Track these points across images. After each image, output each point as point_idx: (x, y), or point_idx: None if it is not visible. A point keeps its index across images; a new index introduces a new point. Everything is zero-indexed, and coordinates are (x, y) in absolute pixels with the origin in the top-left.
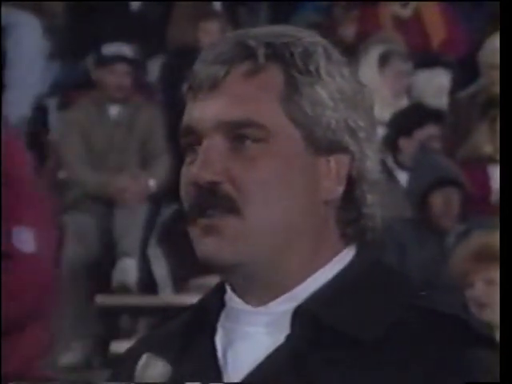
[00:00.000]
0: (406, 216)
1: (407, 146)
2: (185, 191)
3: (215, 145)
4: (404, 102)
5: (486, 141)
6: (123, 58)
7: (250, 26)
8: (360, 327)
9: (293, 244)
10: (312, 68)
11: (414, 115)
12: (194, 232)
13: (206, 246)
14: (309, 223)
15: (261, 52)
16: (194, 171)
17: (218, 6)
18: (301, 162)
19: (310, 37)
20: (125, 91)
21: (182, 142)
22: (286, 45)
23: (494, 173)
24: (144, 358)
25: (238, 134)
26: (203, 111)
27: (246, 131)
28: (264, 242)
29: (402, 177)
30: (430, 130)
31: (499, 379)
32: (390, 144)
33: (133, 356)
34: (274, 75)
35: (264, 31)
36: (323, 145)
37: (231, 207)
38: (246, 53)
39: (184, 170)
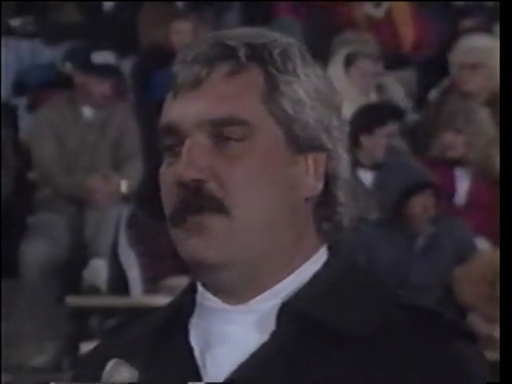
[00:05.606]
0: (369, 216)
1: (368, 143)
2: (167, 193)
3: (199, 143)
4: (372, 101)
5: (455, 141)
6: (111, 70)
7: (216, 27)
8: (348, 324)
9: (276, 241)
10: (290, 67)
11: (375, 112)
12: (179, 233)
13: (193, 246)
14: (291, 220)
15: (242, 52)
16: (178, 170)
17: (183, 6)
18: (282, 159)
19: (284, 38)
20: (108, 99)
21: (162, 143)
22: (265, 45)
23: (460, 174)
24: (111, 363)
25: (221, 131)
26: (185, 110)
27: (230, 129)
28: (252, 240)
29: (365, 176)
30: (390, 128)
31: (499, 379)
32: (351, 141)
33: (97, 359)
34: (255, 75)
35: (240, 32)
36: (302, 142)
37: (218, 207)
38: (227, 52)
39: (164, 171)
